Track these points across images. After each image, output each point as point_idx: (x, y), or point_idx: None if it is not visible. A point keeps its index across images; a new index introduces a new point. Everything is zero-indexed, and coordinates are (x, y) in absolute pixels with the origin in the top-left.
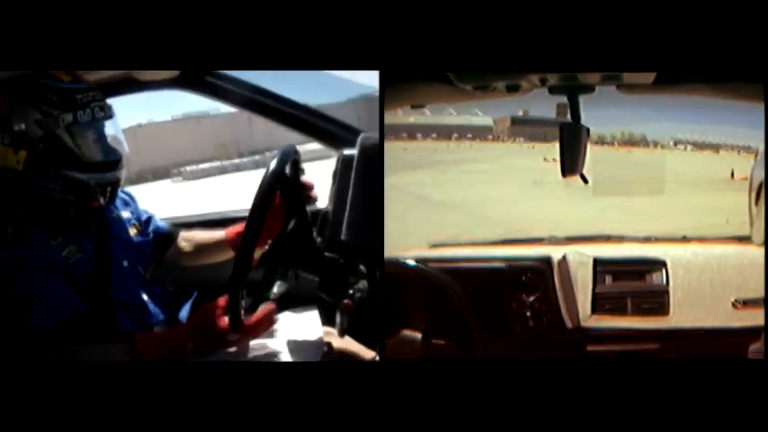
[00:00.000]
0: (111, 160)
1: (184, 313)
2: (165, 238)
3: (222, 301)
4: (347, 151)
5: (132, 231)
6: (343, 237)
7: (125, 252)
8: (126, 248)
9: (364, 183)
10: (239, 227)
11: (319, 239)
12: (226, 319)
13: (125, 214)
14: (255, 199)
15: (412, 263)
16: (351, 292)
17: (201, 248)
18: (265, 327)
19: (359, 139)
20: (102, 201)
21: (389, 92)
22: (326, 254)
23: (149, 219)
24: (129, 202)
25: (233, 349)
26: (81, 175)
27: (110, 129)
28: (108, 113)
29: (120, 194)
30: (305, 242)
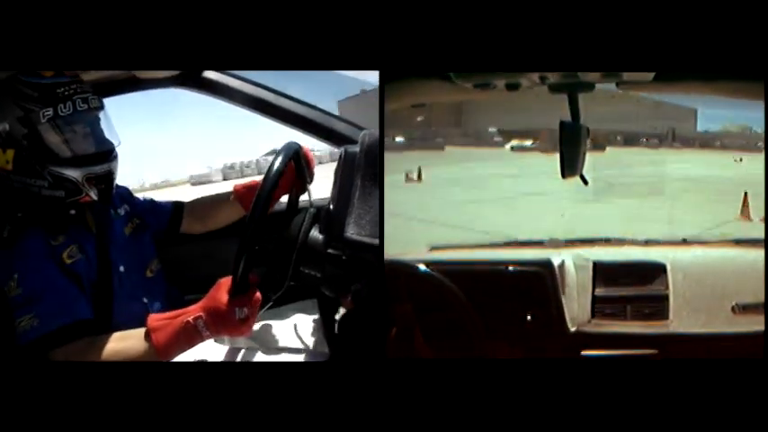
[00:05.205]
0: (100, 152)
1: None
2: (175, 213)
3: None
4: (350, 148)
5: (127, 230)
6: (346, 233)
7: (121, 254)
8: (122, 250)
9: (368, 179)
10: (246, 182)
11: (322, 236)
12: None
13: (121, 212)
14: (258, 196)
15: (413, 264)
16: (353, 288)
17: (212, 210)
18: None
19: (361, 136)
20: (93, 195)
21: (388, 90)
22: (329, 251)
23: (150, 205)
24: (126, 197)
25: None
26: (67, 170)
27: (97, 121)
28: (93, 105)
29: (117, 190)
30: (308, 239)
